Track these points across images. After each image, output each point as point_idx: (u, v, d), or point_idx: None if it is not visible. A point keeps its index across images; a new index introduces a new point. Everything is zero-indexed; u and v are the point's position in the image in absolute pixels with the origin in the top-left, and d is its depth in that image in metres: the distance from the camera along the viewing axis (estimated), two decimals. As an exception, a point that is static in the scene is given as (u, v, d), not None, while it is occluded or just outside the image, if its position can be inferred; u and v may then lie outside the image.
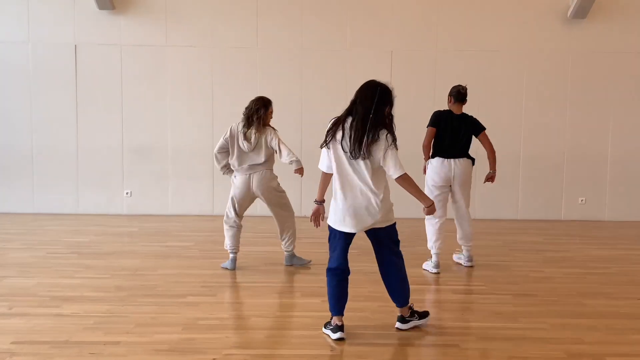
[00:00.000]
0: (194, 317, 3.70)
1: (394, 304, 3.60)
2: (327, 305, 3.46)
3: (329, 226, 3.42)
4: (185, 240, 6.25)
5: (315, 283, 4.43)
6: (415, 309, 3.65)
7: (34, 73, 7.89)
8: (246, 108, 4.92)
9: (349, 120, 3.29)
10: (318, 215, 3.54)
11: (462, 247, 5.26)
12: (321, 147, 3.38)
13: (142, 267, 5.03)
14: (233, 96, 7.67)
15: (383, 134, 3.26)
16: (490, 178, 5.22)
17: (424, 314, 3.66)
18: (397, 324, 3.58)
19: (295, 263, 5.22)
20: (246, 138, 4.85)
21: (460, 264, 5.24)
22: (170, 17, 7.90)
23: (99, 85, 7.93)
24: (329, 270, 3.43)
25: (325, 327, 3.47)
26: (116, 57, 7.90)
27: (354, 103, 3.32)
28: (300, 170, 4.92)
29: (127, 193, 8.06)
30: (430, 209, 3.45)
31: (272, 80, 7.89)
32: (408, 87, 7.88)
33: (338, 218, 3.35)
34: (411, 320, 3.58)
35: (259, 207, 6.48)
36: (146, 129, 8.00)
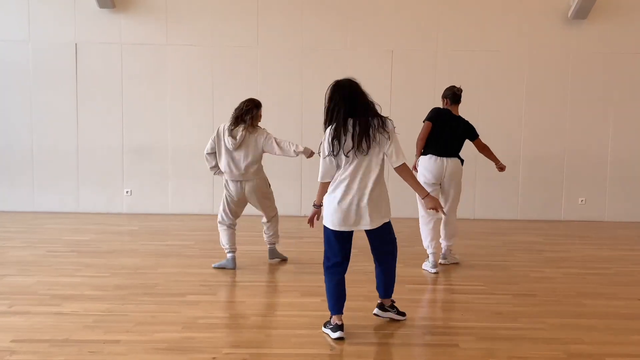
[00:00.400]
0: (194, 316, 3.70)
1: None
2: (326, 305, 3.46)
3: (327, 227, 3.39)
4: (185, 239, 6.25)
5: (315, 282, 4.42)
6: (396, 305, 3.72)
7: (34, 72, 7.89)
8: (236, 109, 4.88)
9: (351, 120, 3.27)
10: (313, 217, 3.56)
11: (441, 244, 5.27)
12: (326, 157, 3.31)
13: (142, 266, 5.03)
14: (233, 96, 7.61)
15: (386, 119, 3.33)
16: (500, 168, 5.30)
17: (402, 313, 3.73)
18: (376, 310, 3.69)
19: (276, 257, 5.27)
20: (232, 135, 4.79)
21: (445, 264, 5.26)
22: (171, 16, 7.89)
23: (99, 85, 7.92)
24: (328, 269, 3.43)
25: (324, 327, 3.47)
26: (116, 56, 7.90)
27: (346, 101, 3.27)
28: (312, 154, 4.82)
29: (127, 192, 8.06)
30: (427, 200, 3.45)
31: (272, 80, 7.90)
32: (408, 86, 7.89)
33: (339, 218, 3.32)
34: (389, 312, 3.68)
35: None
36: (146, 128, 7.99)
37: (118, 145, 8.00)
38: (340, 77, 3.43)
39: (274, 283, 4.62)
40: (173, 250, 5.68)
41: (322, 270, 3.50)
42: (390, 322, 3.64)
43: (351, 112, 3.28)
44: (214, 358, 3.04)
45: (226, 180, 4.95)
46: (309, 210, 3.43)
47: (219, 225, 5.04)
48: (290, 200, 7.92)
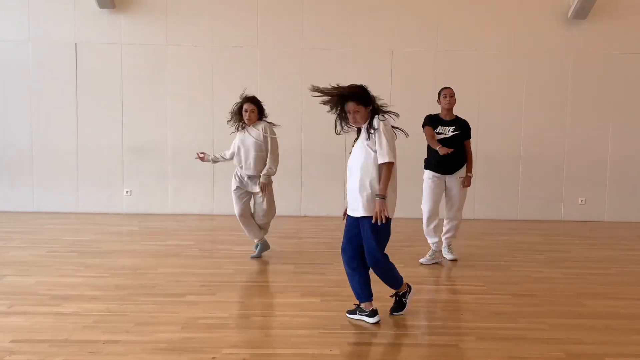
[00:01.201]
0: (194, 316, 3.69)
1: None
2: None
3: (389, 219, 3.47)
4: (185, 240, 6.25)
5: (315, 282, 4.42)
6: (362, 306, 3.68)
7: (35, 72, 7.89)
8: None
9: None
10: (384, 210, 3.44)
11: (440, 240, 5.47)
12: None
13: (142, 266, 5.02)
14: (233, 95, 7.65)
15: None
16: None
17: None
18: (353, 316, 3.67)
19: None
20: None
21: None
22: (171, 16, 7.90)
23: (99, 84, 7.93)
24: (383, 260, 3.51)
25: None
26: (116, 55, 7.90)
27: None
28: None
29: (127, 192, 8.06)
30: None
31: (272, 80, 7.90)
32: (408, 87, 7.89)
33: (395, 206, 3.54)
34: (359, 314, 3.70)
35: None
36: (146, 128, 7.99)
37: (118, 145, 8.00)
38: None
39: (274, 283, 4.61)
40: (173, 251, 5.68)
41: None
42: (389, 323, 3.63)
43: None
44: (213, 358, 3.03)
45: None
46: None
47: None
48: (291, 200, 7.92)
